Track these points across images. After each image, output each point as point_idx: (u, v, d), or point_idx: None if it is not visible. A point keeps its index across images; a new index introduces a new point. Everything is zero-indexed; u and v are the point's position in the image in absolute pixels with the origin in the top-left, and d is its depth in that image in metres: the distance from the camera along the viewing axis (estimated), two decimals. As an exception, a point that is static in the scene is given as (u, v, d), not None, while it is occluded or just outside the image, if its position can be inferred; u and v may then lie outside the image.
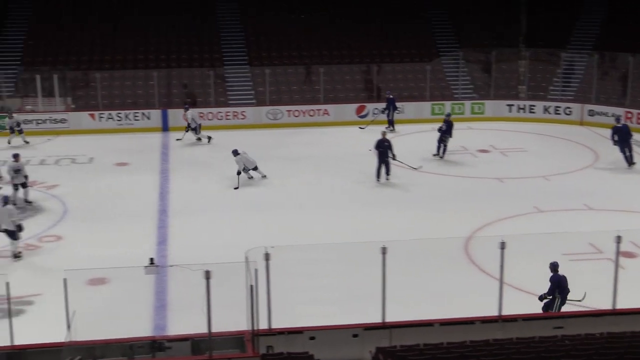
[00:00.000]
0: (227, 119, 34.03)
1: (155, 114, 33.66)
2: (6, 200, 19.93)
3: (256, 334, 13.22)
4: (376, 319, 13.94)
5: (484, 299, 14.82)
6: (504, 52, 37.59)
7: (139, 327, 15.27)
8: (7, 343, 13.11)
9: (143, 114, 33.66)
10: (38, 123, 32.99)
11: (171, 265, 18.08)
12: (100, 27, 38.78)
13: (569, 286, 15.08)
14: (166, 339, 13.97)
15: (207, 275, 12.15)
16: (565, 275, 15.10)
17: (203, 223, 21.87)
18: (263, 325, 13.39)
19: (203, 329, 12.72)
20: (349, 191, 24.84)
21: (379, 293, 13.75)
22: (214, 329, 12.69)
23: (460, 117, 33.34)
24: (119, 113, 33.59)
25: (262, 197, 24.25)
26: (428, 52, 39.27)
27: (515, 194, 24.37)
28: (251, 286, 12.65)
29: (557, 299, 15.01)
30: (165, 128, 33.36)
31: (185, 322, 14.81)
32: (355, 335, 13.84)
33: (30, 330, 14.23)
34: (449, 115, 29.38)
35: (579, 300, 15.00)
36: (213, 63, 37.58)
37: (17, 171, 23.29)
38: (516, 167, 27.48)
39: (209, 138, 31.05)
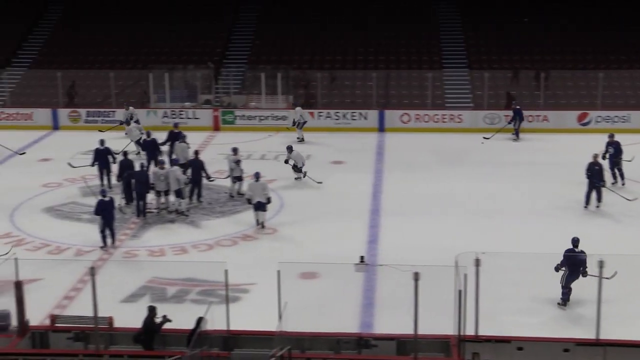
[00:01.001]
0: (444, 122, 33.84)
1: (372, 114, 34.09)
2: (258, 175, 21.72)
3: (462, 340, 13.05)
4: (589, 334, 13.34)
5: None
6: None
7: (346, 323, 15.49)
8: (224, 327, 13.78)
9: (360, 113, 34.19)
10: (261, 119, 34.43)
11: (381, 265, 18.21)
12: (323, 28, 39.87)
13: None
14: (372, 336, 14.11)
15: (416, 276, 12.13)
16: None
17: (414, 224, 21.84)
18: (469, 331, 13.19)
19: (409, 330, 12.72)
20: (562, 200, 23.89)
21: (592, 307, 13.13)
22: (420, 331, 12.65)
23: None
24: (337, 112, 34.32)
25: (475, 203, 23.83)
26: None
27: None
28: (460, 291, 12.50)
29: (565, 272, 16.06)
30: (381, 128, 33.71)
31: (392, 321, 14.89)
32: (566, 350, 13.31)
33: (244, 317, 14.83)
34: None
35: (608, 278, 13.49)
36: (432, 65, 37.54)
37: (237, 163, 24.32)
38: None
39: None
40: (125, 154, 24.56)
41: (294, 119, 32.28)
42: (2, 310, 14.41)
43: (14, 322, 14.41)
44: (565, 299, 16.33)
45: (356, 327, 15.63)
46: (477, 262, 12.77)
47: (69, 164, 26.04)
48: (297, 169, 26.13)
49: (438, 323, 13.31)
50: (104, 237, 20.34)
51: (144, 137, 28.02)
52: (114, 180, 24.63)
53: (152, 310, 13.95)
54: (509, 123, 32.07)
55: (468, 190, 24.96)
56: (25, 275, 14.49)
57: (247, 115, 34.52)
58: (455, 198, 24.20)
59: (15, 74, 38.16)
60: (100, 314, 13.69)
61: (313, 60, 38.52)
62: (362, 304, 16.94)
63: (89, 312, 13.77)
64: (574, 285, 16.15)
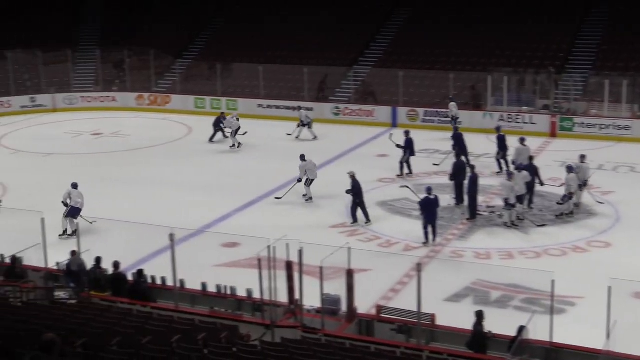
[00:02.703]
0: None
1: None
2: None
3: None
4: None
5: None
6: None
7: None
8: (546, 338, 13.39)
9: None
10: (601, 128, 32.92)
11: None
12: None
13: None
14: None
15: None
16: None
17: None
18: None
19: None
20: None
21: None
22: None
23: None
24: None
25: None
26: None
27: None
28: None
29: None
30: None
31: None
32: None
33: (568, 331, 14.29)
34: None
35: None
36: None
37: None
38: None
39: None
40: (458, 155, 24.78)
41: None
42: (333, 295, 15.22)
43: (343, 307, 15.18)
44: None
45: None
46: None
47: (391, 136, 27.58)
48: (308, 182, 24.63)
49: None
50: (426, 234, 20.78)
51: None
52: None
53: (479, 316, 13.85)
54: None
55: None
56: (357, 264, 15.16)
57: (587, 123, 33.18)
58: None
59: (360, 73, 40.13)
60: (424, 310, 13.95)
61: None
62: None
63: (412, 307, 14.09)
64: None
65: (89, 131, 35.99)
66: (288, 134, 33.54)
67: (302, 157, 25.02)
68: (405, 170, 27.21)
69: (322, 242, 17.19)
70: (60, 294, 16.31)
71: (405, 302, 15.50)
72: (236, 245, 20.12)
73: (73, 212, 21.96)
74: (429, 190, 21.18)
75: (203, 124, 35.44)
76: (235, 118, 32.58)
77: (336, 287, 15.18)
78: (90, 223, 21.49)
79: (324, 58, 40.96)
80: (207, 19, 46.29)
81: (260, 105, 38.72)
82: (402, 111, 36.19)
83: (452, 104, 33.36)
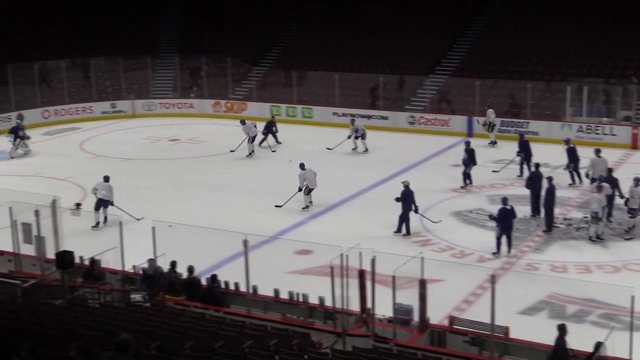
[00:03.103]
0: None
1: None
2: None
3: None
4: None
5: None
6: None
7: None
8: (625, 356, 13.06)
9: None
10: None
11: None
12: None
13: None
14: None
15: None
16: None
17: None
18: None
19: None
20: None
21: None
22: None
23: None
24: None
25: None
26: None
27: None
28: None
29: None
30: None
31: None
32: None
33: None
34: None
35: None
36: None
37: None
38: None
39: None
40: (537, 165, 24.40)
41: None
42: (405, 305, 15.13)
43: (415, 317, 15.08)
44: None
45: None
46: None
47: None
48: (307, 191, 24.71)
49: None
50: (498, 244, 20.52)
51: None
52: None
53: (562, 330, 13.52)
54: None
55: None
56: (429, 274, 15.05)
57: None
58: None
59: (436, 82, 39.86)
60: (497, 323, 13.75)
61: None
62: None
63: (485, 319, 13.91)
64: None
65: (166, 137, 36.63)
66: (328, 148, 32.92)
67: (302, 166, 25.05)
68: (467, 181, 27.04)
69: (394, 252, 17.15)
70: (136, 297, 16.63)
71: (479, 313, 15.31)
72: (309, 252, 20.18)
73: (99, 204, 23.22)
74: (504, 200, 20.90)
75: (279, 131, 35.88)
76: (253, 125, 33.01)
77: (408, 297, 15.10)
78: (138, 220, 22.07)
79: (399, 67, 40.87)
80: (284, 26, 46.65)
81: (335, 114, 38.81)
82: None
83: (490, 111, 33.46)
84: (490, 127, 33.38)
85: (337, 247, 14.44)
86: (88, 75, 42.96)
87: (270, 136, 34.03)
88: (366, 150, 32.66)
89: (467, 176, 26.95)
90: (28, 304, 14.90)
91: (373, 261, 14.33)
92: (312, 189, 24.84)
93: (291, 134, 35.25)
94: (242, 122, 33.27)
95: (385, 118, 37.60)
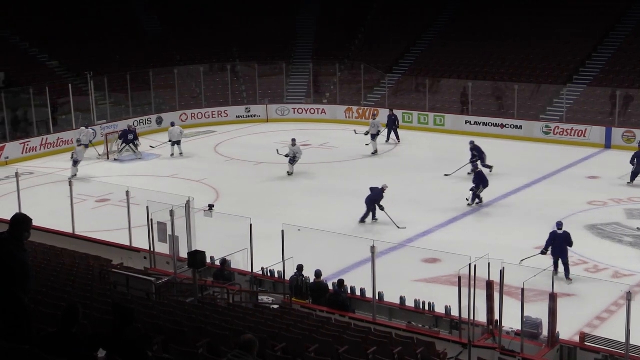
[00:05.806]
0: None
1: None
2: None
3: None
4: None
5: None
6: None
7: None
8: None
9: None
10: None
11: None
12: None
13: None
14: None
15: None
16: None
17: None
18: None
19: None
20: None
21: None
22: None
23: None
24: None
25: None
26: None
27: None
28: None
29: None
30: None
31: None
32: None
33: None
34: None
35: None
36: None
37: None
38: None
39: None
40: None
41: None
42: (534, 318, 14.76)
43: (544, 332, 14.67)
44: None
45: None
46: None
47: None
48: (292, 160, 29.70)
49: None
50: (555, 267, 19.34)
51: None
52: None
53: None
54: None
55: None
56: (560, 288, 14.64)
57: None
58: None
59: (575, 91, 38.72)
60: (633, 342, 13.22)
61: None
62: None
63: (620, 337, 13.39)
64: None
65: (298, 142, 37.04)
66: (367, 144, 34.66)
67: (293, 142, 30.42)
68: (476, 200, 25.81)
69: (524, 263, 16.77)
70: (264, 299, 16.91)
71: (613, 331, 14.77)
72: (436, 261, 20.00)
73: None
74: (559, 225, 19.86)
75: (409, 138, 35.71)
76: (379, 123, 35.29)
77: (537, 311, 14.72)
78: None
79: (536, 75, 39.97)
80: (419, 34, 46.45)
81: (467, 122, 38.33)
82: (617, 132, 34.50)
83: None
84: None
85: (465, 256, 14.24)
86: (225, 80, 44.12)
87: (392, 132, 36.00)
88: (376, 152, 34.15)
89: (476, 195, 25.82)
90: (161, 301, 15.39)
91: (502, 272, 14.05)
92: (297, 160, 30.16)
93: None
94: (374, 117, 35.81)
95: (519, 127, 36.83)
